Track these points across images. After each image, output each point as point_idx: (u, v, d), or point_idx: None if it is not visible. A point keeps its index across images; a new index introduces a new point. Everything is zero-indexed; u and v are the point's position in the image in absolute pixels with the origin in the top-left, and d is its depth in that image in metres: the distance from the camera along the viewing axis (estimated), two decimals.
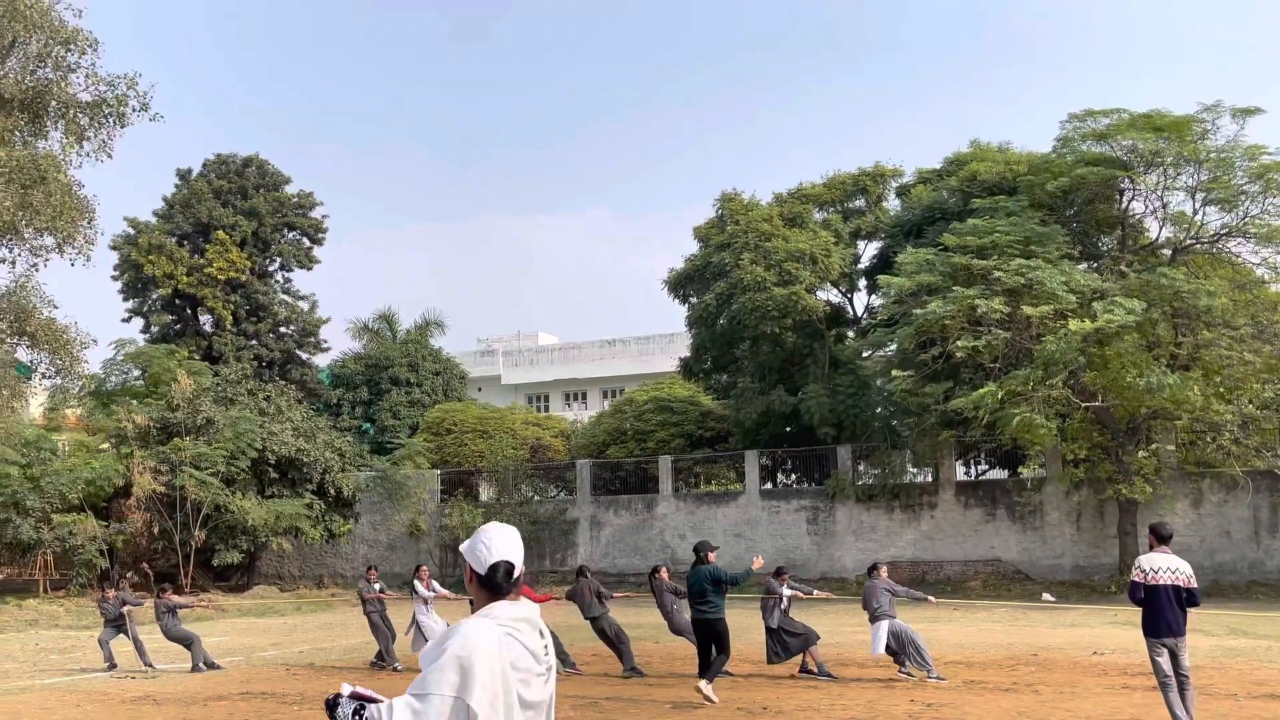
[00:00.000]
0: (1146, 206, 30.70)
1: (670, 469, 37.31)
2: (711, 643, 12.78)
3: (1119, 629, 20.19)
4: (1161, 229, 30.83)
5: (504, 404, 52.99)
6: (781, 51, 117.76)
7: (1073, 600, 26.89)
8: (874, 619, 14.21)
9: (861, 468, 34.91)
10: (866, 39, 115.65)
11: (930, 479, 34.16)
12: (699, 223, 38.45)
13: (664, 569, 15.64)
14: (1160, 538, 10.42)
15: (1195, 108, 28.88)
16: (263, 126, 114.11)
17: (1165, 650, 10.03)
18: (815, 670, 14.43)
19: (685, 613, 15.23)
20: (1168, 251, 30.30)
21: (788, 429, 36.93)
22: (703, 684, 12.51)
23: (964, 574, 31.82)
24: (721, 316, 35.90)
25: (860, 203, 39.06)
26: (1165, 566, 10.09)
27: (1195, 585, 10.19)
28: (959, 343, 27.24)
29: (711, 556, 13.16)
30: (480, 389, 60.68)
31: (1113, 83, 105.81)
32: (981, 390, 26.85)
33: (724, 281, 35.28)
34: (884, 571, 14.94)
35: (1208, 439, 28.76)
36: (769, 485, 37.44)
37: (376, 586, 17.52)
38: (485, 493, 41.15)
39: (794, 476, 38.82)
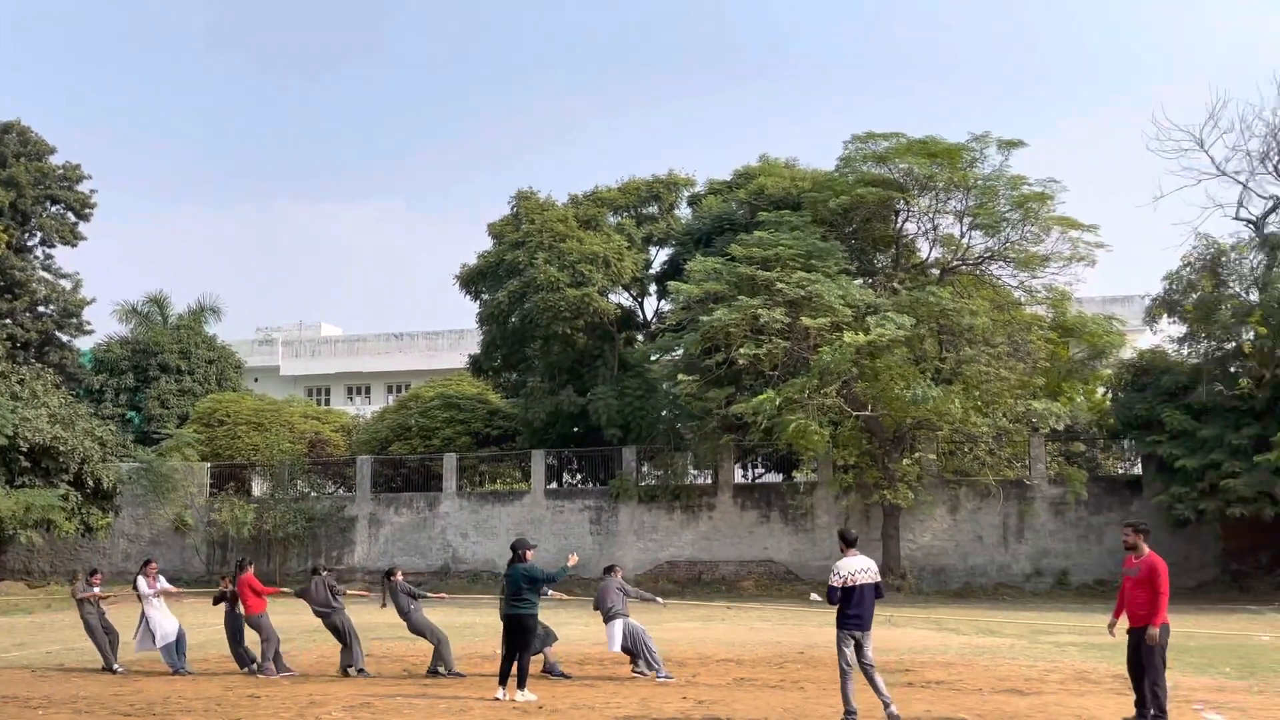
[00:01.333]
0: (919, 227, 32.49)
1: (455, 467, 36.91)
2: (518, 639, 12.76)
3: (879, 628, 21.18)
4: (931, 250, 32.66)
5: (282, 396, 51.22)
6: (588, 56, 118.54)
7: None
8: (608, 618, 14.53)
9: (645, 469, 35.45)
10: (672, 48, 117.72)
11: (710, 481, 35.03)
12: (494, 219, 38.27)
13: (399, 571, 15.62)
14: (848, 542, 11.52)
15: (966, 137, 30.76)
16: (30, 95, 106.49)
17: (853, 642, 11.13)
18: (546, 669, 14.50)
19: (422, 611, 15.34)
20: (936, 271, 32.06)
21: (575, 429, 37.14)
22: (518, 694, 12.53)
23: (738, 574, 32.77)
24: (513, 315, 35.78)
25: (654, 209, 39.68)
26: (861, 568, 11.24)
27: (880, 580, 11.50)
28: (742, 350, 28.05)
29: (529, 555, 13.16)
30: (257, 379, 58.48)
31: (895, 106, 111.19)
32: (761, 396, 27.73)
33: (517, 280, 35.19)
34: (619, 573, 15.40)
35: (965, 449, 30.59)
36: (554, 485, 37.54)
37: (96, 589, 16.61)
38: (258, 488, 39.65)
39: (579, 476, 39.07)
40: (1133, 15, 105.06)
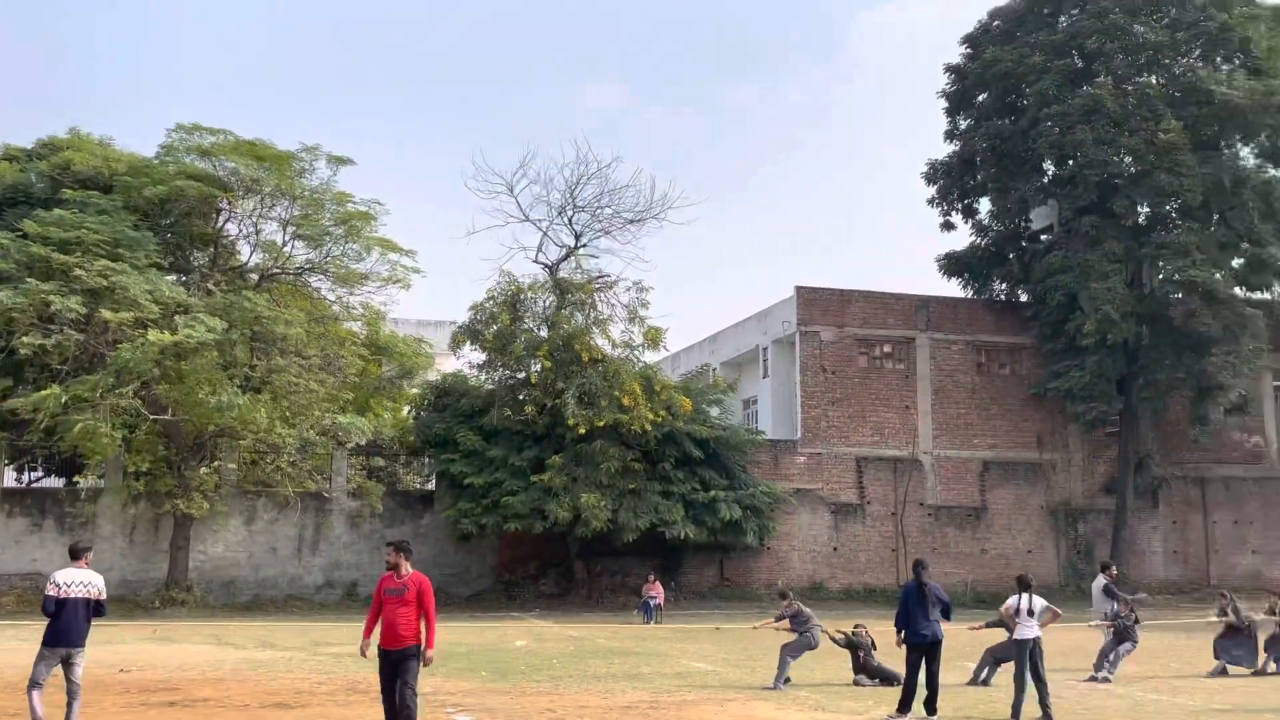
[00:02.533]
0: (241, 230, 31.57)
1: None
2: None
3: (155, 645, 20.04)
4: (252, 254, 31.90)
5: None
6: None
7: (116, 616, 26.02)
8: None
9: None
10: None
11: None
12: None
13: None
14: (73, 555, 11.21)
15: (297, 146, 30.59)
16: None
17: (58, 659, 10.82)
18: None
19: None
20: (255, 276, 31.37)
21: None
22: None
23: None
24: None
25: None
26: (79, 580, 10.91)
27: (105, 598, 11.23)
28: (26, 339, 25.22)
29: None
30: None
31: (223, 106, 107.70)
32: (44, 392, 25.15)
33: None
34: None
35: (268, 459, 30.14)
36: None
37: None
38: None
39: None
40: (461, 66, 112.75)
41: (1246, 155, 36.87)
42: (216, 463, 29.68)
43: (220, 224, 31.40)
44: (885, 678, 15.70)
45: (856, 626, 16.42)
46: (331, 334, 31.02)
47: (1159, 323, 35.37)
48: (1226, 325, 33.80)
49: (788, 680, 15.32)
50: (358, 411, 32.04)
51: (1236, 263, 34.88)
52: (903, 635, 12.91)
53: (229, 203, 30.35)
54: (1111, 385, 35.08)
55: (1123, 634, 16.75)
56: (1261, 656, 17.58)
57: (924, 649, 12.73)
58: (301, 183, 30.66)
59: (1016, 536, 36.76)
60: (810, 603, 32.57)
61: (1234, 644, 17.48)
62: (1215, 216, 34.69)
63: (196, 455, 29.14)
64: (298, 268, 31.69)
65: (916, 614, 12.77)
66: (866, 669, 15.92)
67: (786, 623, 16.11)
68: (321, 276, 31.98)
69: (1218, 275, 33.36)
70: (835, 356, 36.32)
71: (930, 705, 12.67)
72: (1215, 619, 18.61)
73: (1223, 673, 17.24)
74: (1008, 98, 38.10)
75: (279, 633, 23.07)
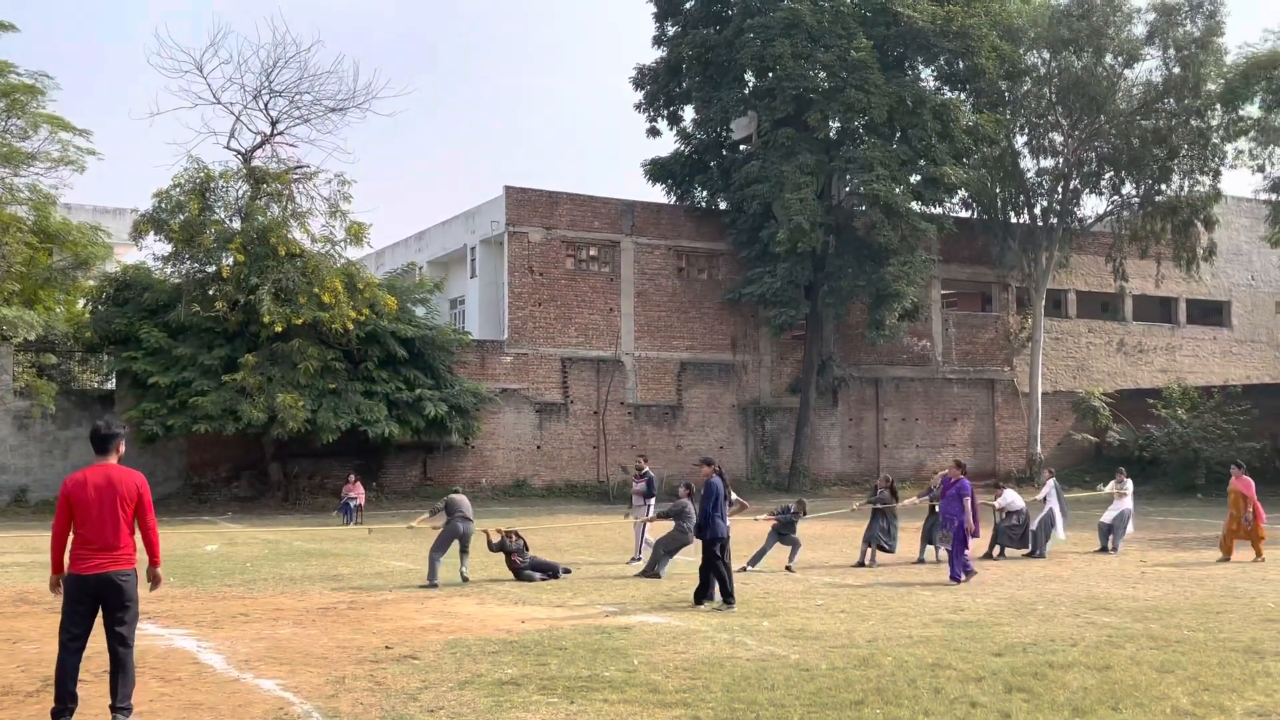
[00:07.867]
0: None
1: None
2: None
3: None
4: None
5: None
6: None
7: None
8: None
9: None
10: None
11: None
12: None
13: None
14: None
15: None
16: None
17: None
18: None
19: None
20: None
21: None
22: None
23: None
24: None
25: None
26: None
27: None
28: None
29: None
30: None
31: None
32: None
33: None
34: None
35: None
36: None
37: None
38: None
39: None
40: None
41: (927, 77, 39.45)
42: None
43: None
44: (543, 570, 16.01)
45: (509, 531, 16.46)
46: None
47: (844, 233, 37.64)
48: (903, 237, 36.32)
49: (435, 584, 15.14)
50: (24, 304, 29.42)
51: (914, 179, 37.26)
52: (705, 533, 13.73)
53: None
54: (800, 291, 37.14)
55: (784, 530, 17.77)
56: (922, 545, 19.00)
57: (720, 542, 13.59)
58: None
59: (709, 433, 38.59)
60: (513, 499, 33.25)
61: (881, 528, 18.73)
62: (897, 134, 36.91)
63: None
64: None
65: (715, 511, 13.67)
66: (518, 571, 15.90)
67: (441, 517, 16.03)
68: None
69: (898, 190, 35.52)
70: (543, 258, 36.46)
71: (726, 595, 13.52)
72: (863, 504, 20.06)
73: (871, 560, 18.46)
74: (714, 6, 38.85)
75: None
